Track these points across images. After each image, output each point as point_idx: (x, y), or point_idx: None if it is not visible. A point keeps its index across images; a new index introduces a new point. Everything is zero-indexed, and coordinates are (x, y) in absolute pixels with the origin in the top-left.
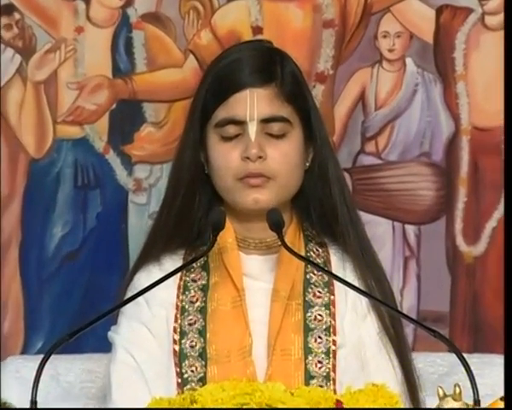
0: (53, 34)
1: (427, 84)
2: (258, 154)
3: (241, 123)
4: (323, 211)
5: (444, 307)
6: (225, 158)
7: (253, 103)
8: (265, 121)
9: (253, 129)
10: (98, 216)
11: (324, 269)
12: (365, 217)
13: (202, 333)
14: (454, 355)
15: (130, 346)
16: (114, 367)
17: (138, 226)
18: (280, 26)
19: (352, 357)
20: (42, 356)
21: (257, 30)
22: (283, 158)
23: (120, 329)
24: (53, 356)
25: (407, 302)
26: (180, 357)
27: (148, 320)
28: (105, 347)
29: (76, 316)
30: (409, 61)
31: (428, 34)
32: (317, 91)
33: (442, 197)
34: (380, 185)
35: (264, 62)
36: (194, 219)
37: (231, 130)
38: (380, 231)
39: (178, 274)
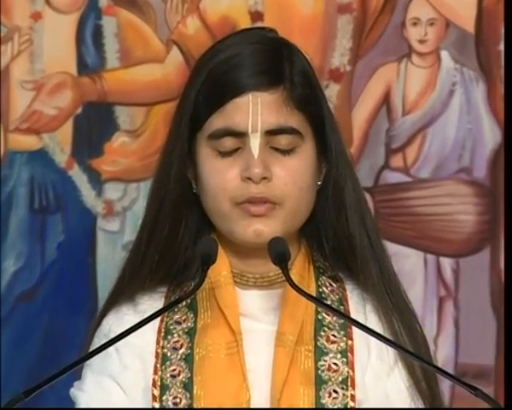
0: (4, 21)
1: (467, 83)
2: (262, 174)
3: (241, 135)
4: (338, 242)
5: (487, 360)
6: (221, 177)
7: (257, 111)
8: (271, 133)
9: (255, 143)
10: (59, 247)
11: (339, 312)
12: (390, 247)
13: (188, 387)
14: None
15: (96, 406)
16: None
17: (109, 259)
18: (284, 12)
19: None
20: None
21: (256, 16)
22: (292, 178)
23: (85, 385)
24: None
25: (442, 353)
26: None
27: (119, 373)
28: (68, 407)
29: (33, 370)
30: (444, 54)
31: (468, 22)
32: (331, 92)
33: (485, 223)
34: (408, 208)
35: (269, 59)
36: (178, 250)
37: (229, 143)
38: (408, 264)
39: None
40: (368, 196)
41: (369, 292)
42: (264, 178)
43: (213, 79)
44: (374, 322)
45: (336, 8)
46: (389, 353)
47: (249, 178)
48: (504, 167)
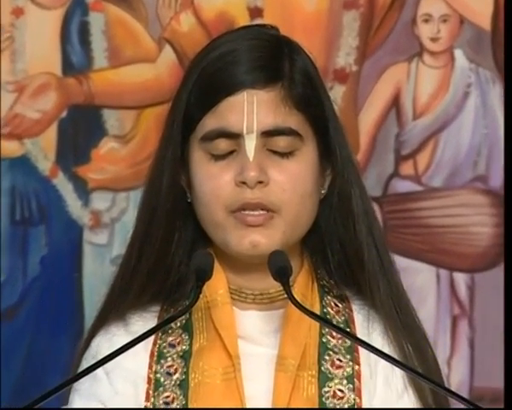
0: None
1: (483, 84)
2: (257, 177)
3: (235, 136)
4: (345, 254)
5: None
6: (214, 183)
7: (252, 110)
8: (268, 134)
9: (251, 144)
10: (43, 261)
11: (345, 331)
12: (400, 262)
13: None
14: None
15: None
16: None
17: (96, 274)
18: (286, 7)
19: None
20: None
21: (255, 12)
22: (292, 184)
23: None
24: None
25: (456, 376)
26: None
27: (109, 399)
28: None
29: (14, 393)
30: (458, 53)
31: (484, 18)
32: (336, 94)
33: (503, 236)
34: (420, 220)
35: (267, 55)
36: (172, 264)
37: (222, 145)
38: (419, 280)
39: (151, 338)
40: (376, 207)
41: (377, 309)
42: (261, 182)
43: (206, 77)
44: (381, 345)
45: (342, 3)
46: (398, 378)
47: (244, 183)
48: (504, 169)
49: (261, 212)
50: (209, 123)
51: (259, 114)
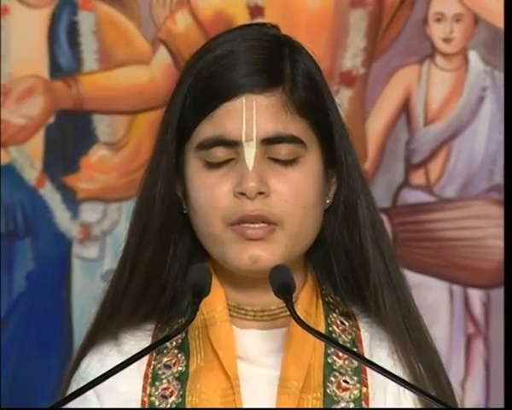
0: None
1: (499, 88)
2: (257, 188)
3: (233, 144)
4: (351, 268)
5: None
6: (211, 193)
7: (251, 117)
8: (268, 142)
9: (250, 153)
10: (29, 276)
11: (352, 351)
12: (411, 277)
13: None
14: None
15: None
16: None
17: (86, 291)
18: (288, 6)
19: None
20: None
21: (256, 11)
22: (294, 194)
23: None
24: None
25: (471, 399)
26: None
27: None
28: None
29: None
30: (473, 55)
31: (500, 17)
32: (342, 98)
33: None
34: (431, 232)
35: (266, 57)
36: (166, 280)
37: (220, 153)
38: (432, 297)
39: (145, 358)
40: (385, 218)
41: (385, 326)
42: (261, 193)
43: (202, 81)
44: (390, 365)
45: (348, 2)
46: (409, 401)
47: (243, 194)
48: (504, 172)
49: (262, 224)
50: (205, 130)
51: (259, 120)
